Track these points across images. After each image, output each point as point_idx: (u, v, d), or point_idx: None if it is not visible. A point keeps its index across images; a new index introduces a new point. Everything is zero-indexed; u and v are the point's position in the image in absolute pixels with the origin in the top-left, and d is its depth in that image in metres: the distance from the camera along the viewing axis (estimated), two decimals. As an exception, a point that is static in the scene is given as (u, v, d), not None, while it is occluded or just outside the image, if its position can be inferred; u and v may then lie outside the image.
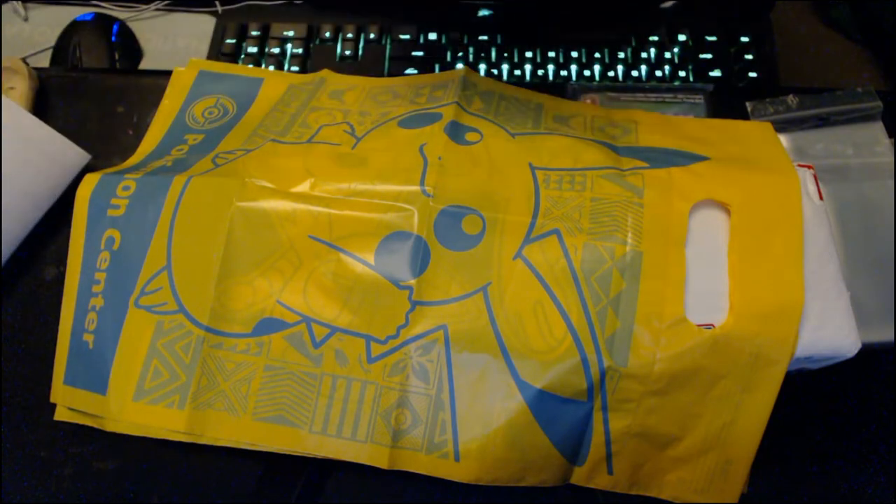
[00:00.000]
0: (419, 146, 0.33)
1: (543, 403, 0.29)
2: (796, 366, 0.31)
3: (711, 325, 0.29)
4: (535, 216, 0.31)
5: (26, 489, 0.35)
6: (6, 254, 0.39)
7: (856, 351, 0.30)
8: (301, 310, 0.31)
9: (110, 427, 0.31)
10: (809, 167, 0.33)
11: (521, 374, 0.29)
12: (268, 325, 0.31)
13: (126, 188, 0.33)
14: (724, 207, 0.31)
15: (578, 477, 0.31)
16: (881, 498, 0.34)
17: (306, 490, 0.34)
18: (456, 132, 0.34)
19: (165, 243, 0.32)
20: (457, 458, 0.29)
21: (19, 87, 0.43)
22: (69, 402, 0.32)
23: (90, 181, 0.33)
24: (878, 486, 0.34)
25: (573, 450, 0.30)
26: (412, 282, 0.30)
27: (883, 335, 0.35)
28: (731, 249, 0.30)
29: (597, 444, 0.30)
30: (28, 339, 0.38)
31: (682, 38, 0.54)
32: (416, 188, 0.31)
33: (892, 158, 0.40)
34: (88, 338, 0.32)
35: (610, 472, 0.30)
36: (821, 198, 0.32)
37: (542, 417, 0.29)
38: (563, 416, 0.29)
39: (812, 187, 0.32)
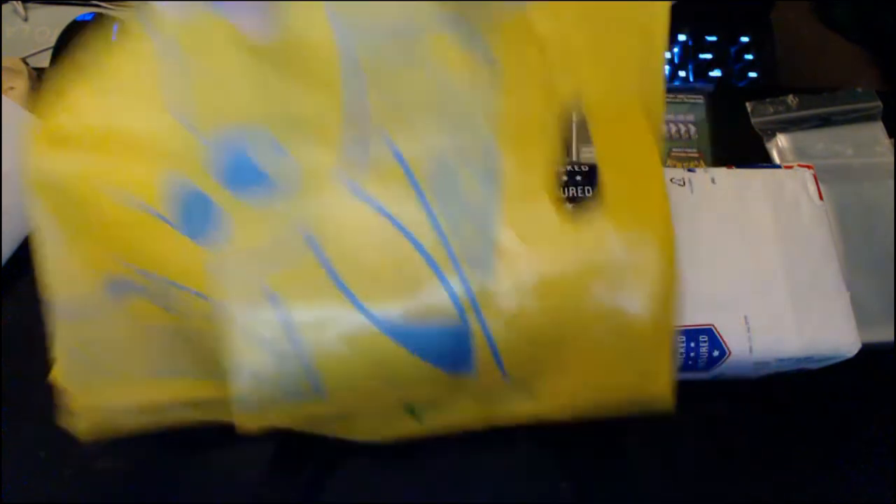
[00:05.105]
0: None
1: (411, 336, 0.25)
2: (796, 366, 0.31)
3: (709, 325, 0.29)
4: (352, 120, 0.24)
5: (26, 489, 0.35)
6: (6, 254, 0.39)
7: (856, 351, 0.30)
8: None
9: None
10: (809, 167, 0.33)
11: (377, 314, 0.24)
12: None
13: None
14: (723, 210, 0.31)
15: (477, 389, 0.27)
16: (881, 498, 0.34)
17: (307, 489, 0.34)
18: None
19: None
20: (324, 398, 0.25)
21: (19, 87, 0.43)
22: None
23: (89, 181, 0.33)
24: (878, 486, 0.34)
25: (461, 366, 0.26)
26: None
27: (883, 335, 0.35)
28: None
29: (484, 359, 0.26)
30: (28, 339, 0.38)
31: (682, 38, 0.54)
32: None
33: (892, 158, 0.40)
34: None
35: (506, 379, 0.27)
36: (821, 198, 0.32)
37: (414, 347, 0.25)
38: (438, 341, 0.25)
39: (812, 187, 0.33)
